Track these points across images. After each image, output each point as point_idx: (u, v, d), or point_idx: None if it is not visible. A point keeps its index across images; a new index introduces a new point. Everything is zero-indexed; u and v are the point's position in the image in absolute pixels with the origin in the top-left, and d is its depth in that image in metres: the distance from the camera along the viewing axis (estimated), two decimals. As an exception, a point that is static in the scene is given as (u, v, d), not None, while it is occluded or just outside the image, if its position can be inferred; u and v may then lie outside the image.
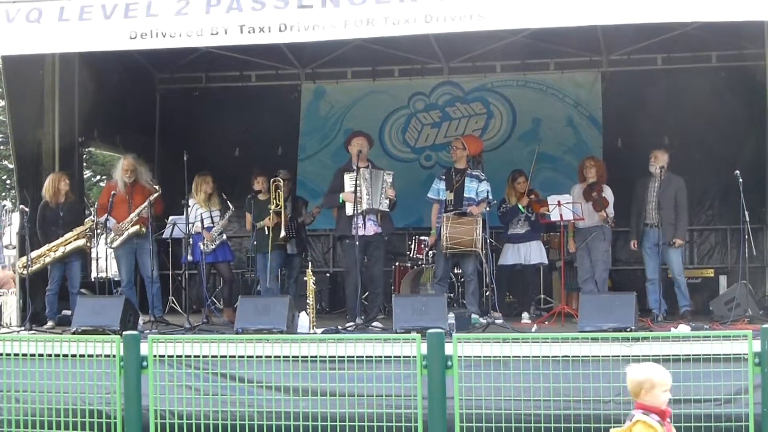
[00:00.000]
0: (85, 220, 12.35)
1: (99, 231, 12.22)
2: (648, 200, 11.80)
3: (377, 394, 8.21)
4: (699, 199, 14.81)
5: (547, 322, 11.65)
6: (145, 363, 7.94)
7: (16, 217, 14.09)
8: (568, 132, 15.52)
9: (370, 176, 11.37)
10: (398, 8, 9.23)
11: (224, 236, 12.72)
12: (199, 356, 8.75)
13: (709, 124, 14.14)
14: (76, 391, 8.35)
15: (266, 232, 12.39)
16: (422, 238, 13.67)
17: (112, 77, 14.37)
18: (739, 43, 13.81)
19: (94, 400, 8.43)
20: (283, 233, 12.20)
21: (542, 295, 13.44)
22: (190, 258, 12.76)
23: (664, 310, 11.62)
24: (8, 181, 26.62)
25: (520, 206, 12.48)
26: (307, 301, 10.87)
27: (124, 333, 8.38)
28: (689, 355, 7.71)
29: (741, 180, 10.97)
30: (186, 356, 8.75)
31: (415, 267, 13.98)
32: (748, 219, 11.02)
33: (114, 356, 8.05)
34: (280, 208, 12.32)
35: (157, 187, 12.22)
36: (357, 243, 11.12)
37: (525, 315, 12.34)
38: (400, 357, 8.34)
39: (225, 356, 8.68)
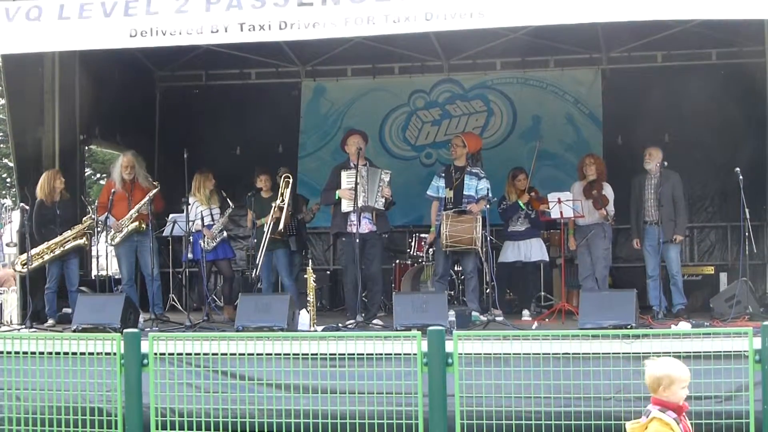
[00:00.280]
0: (84, 218, 12.35)
1: (99, 229, 12.23)
2: (646, 198, 11.83)
3: (378, 391, 8.21)
4: (699, 197, 14.83)
5: (547, 320, 11.66)
6: (145, 361, 7.93)
7: (16, 215, 14.07)
8: (569, 129, 15.52)
9: (367, 174, 11.36)
10: (398, 6, 9.21)
11: (225, 234, 12.72)
12: (199, 354, 8.76)
13: (709, 122, 14.14)
14: (76, 389, 8.36)
15: (264, 229, 12.36)
16: (422, 235, 13.66)
17: (112, 75, 14.38)
18: (739, 41, 13.82)
19: (94, 398, 8.44)
20: (280, 227, 12.15)
21: (543, 293, 13.42)
22: (190, 256, 12.76)
23: (665, 307, 11.63)
24: (8, 180, 26.63)
25: (520, 203, 12.47)
26: (308, 298, 10.88)
27: (124, 331, 8.38)
28: (689, 353, 7.71)
29: (741, 177, 10.97)
30: (186, 354, 8.76)
31: (416, 264, 13.98)
32: (748, 216, 11.03)
33: (114, 354, 8.05)
34: (284, 203, 12.28)
35: (156, 183, 12.22)
36: (357, 240, 11.11)
37: (525, 312, 12.35)
38: (400, 354, 8.35)
39: (225, 354, 8.68)
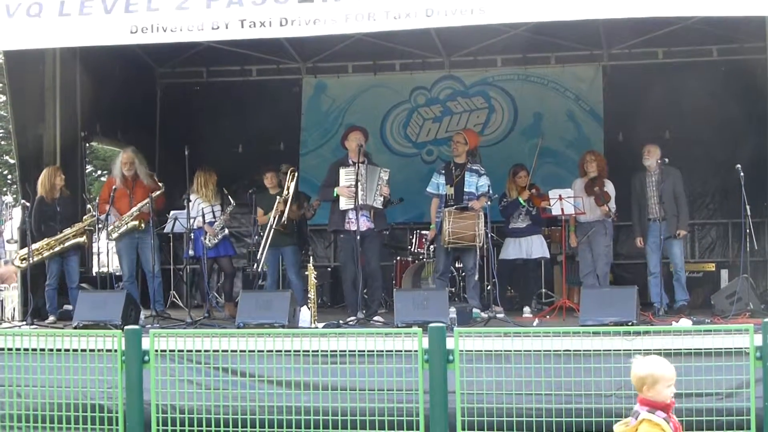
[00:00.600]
0: (85, 216, 12.35)
1: (100, 226, 12.24)
2: (648, 195, 11.83)
3: (378, 388, 8.21)
4: (700, 193, 14.83)
5: (548, 317, 11.66)
6: (146, 357, 7.94)
7: (16, 212, 14.07)
8: (569, 126, 15.51)
9: (366, 172, 11.35)
10: (399, 2, 9.21)
11: (226, 231, 12.71)
12: (200, 351, 8.77)
13: (710, 118, 14.14)
14: (77, 386, 8.36)
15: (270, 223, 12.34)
16: (423, 232, 13.65)
17: (113, 72, 14.37)
18: (740, 38, 13.83)
19: (95, 395, 8.44)
20: (283, 219, 12.14)
21: (543, 290, 13.42)
22: (191, 253, 12.76)
23: (666, 304, 11.63)
24: (9, 177, 26.63)
25: (520, 200, 12.48)
26: (309, 295, 10.88)
27: (125, 328, 8.39)
28: (690, 349, 7.71)
29: (742, 174, 10.98)
30: (187, 351, 8.76)
31: (416, 261, 13.98)
32: (749, 213, 11.02)
33: (115, 351, 8.05)
34: (288, 196, 12.27)
35: (161, 184, 12.23)
36: (357, 237, 11.11)
37: (526, 309, 12.36)
38: (401, 351, 8.35)
39: (226, 351, 8.69)
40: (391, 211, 12.14)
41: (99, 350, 8.36)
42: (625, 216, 12.45)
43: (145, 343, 8.00)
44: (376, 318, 11.23)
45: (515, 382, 8.16)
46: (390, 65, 16.06)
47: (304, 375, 8.57)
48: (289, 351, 8.54)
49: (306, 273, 11.20)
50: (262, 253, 12.02)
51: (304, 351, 8.52)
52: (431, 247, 13.22)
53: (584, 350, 8.26)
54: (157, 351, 8.06)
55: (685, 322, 9.96)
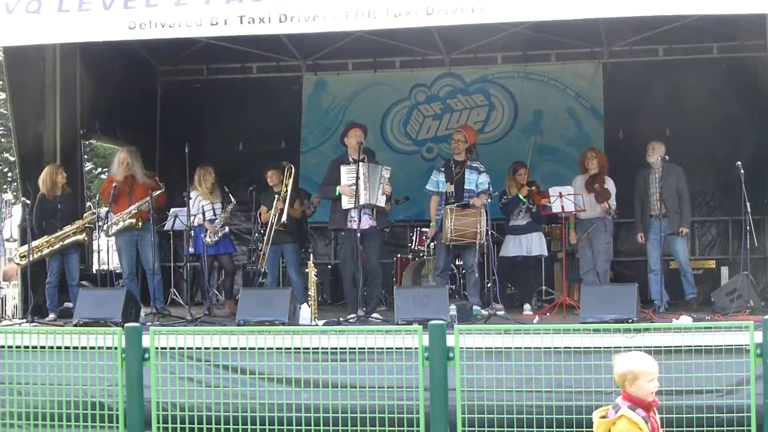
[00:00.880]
0: (85, 214, 12.35)
1: (101, 224, 12.24)
2: (650, 192, 11.83)
3: (379, 385, 8.20)
4: (700, 191, 14.81)
5: (548, 314, 11.66)
6: (146, 355, 7.94)
7: (16, 209, 14.08)
8: (570, 124, 15.51)
9: (368, 171, 11.34)
10: (399, 0, 9.22)
11: (226, 228, 12.70)
12: (200, 348, 8.77)
13: (711, 116, 14.13)
14: (77, 384, 8.36)
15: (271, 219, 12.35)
16: (424, 229, 13.66)
17: (113, 69, 14.37)
18: (740, 35, 13.82)
19: (96, 393, 8.45)
20: (283, 218, 12.16)
21: (544, 287, 13.43)
22: (191, 250, 12.76)
23: (666, 301, 11.62)
24: (9, 174, 26.65)
25: (520, 196, 12.48)
26: (309, 293, 10.88)
27: (125, 325, 8.38)
28: (691, 346, 7.71)
29: (742, 171, 10.98)
30: (188, 348, 8.76)
31: (417, 259, 13.98)
32: (749, 210, 11.02)
33: (116, 348, 8.05)
34: (286, 194, 12.28)
35: (161, 184, 12.22)
36: (358, 235, 11.11)
37: (526, 306, 12.36)
38: (401, 348, 8.36)
39: (227, 348, 8.69)
40: (392, 209, 12.13)
41: (99, 348, 8.35)
42: (626, 213, 12.45)
43: (146, 341, 7.99)
44: (374, 315, 11.23)
45: (515, 379, 8.16)
46: (390, 62, 16.05)
47: (305, 372, 8.58)
48: (290, 348, 8.55)
49: (306, 271, 11.21)
50: (264, 251, 12.02)
51: (304, 348, 8.53)
52: (431, 244, 13.22)
53: (584, 347, 8.25)
54: (157, 348, 8.05)
55: (685, 320, 9.96)
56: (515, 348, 8.26)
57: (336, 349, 8.27)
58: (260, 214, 12.65)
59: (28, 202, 12.01)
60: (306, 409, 8.28)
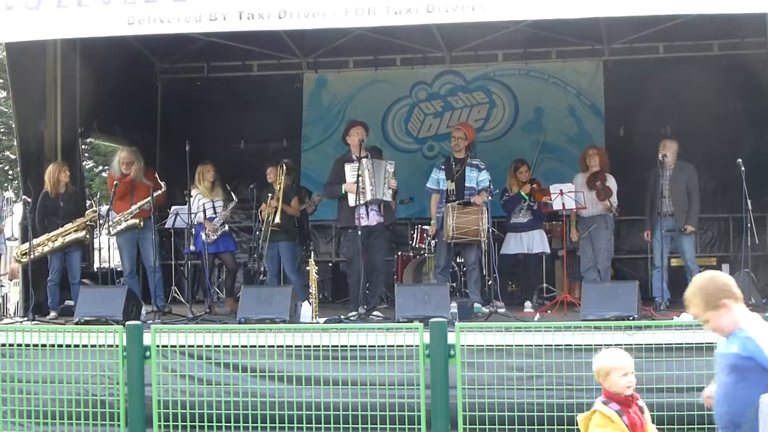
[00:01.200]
0: (87, 212, 12.36)
1: (102, 221, 12.25)
2: (659, 189, 11.79)
3: (380, 383, 8.21)
4: (701, 188, 14.75)
5: (549, 311, 11.66)
6: (147, 353, 7.94)
7: (16, 208, 14.08)
8: (571, 122, 15.50)
9: (373, 167, 11.34)
10: (400, -3, 9.22)
11: (226, 227, 12.68)
12: (201, 346, 8.77)
13: (711, 113, 14.10)
14: (79, 382, 8.37)
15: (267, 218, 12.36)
16: (425, 227, 13.65)
17: (113, 67, 14.34)
18: (741, 33, 13.82)
19: (97, 391, 8.46)
20: (277, 220, 12.16)
21: (545, 284, 13.42)
22: (192, 248, 12.76)
23: (667, 299, 11.62)
24: (10, 172, 26.66)
25: (522, 194, 12.48)
26: (310, 290, 10.89)
27: (126, 323, 8.38)
28: (691, 344, 7.72)
29: (743, 168, 10.99)
30: (189, 346, 8.77)
31: (418, 257, 13.98)
32: (750, 207, 11.03)
33: (117, 346, 8.05)
34: (280, 192, 12.29)
35: (162, 184, 12.22)
36: (359, 233, 11.11)
37: (527, 304, 12.35)
38: (402, 346, 8.36)
39: (228, 346, 8.69)
40: (396, 208, 12.15)
41: (100, 346, 8.36)
42: (627, 211, 12.45)
43: (147, 339, 8.00)
44: (375, 313, 11.22)
45: (516, 376, 8.18)
46: (391, 60, 16.03)
47: (306, 370, 8.59)
48: (291, 346, 8.55)
49: (307, 268, 11.21)
50: (261, 250, 12.03)
51: (305, 346, 8.53)
52: (432, 242, 13.22)
53: (585, 345, 8.25)
54: (158, 346, 8.06)
55: (686, 317, 9.94)
56: (516, 345, 8.27)
57: (337, 347, 8.27)
58: (261, 212, 12.66)
59: (29, 200, 12.01)
60: (307, 406, 8.30)
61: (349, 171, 11.36)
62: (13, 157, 24.06)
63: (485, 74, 15.92)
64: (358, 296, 11.28)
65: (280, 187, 12.30)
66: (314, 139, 16.21)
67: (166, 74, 16.52)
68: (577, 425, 5.58)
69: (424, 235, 13.69)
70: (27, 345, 8.60)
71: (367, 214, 11.31)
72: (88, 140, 16.89)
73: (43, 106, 13.23)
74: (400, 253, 14.15)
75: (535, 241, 12.67)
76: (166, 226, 13.41)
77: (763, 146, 13.11)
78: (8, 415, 8.58)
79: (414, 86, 16.12)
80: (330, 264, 15.38)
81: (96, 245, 13.46)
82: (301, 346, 8.54)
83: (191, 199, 12.25)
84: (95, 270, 13.77)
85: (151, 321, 10.61)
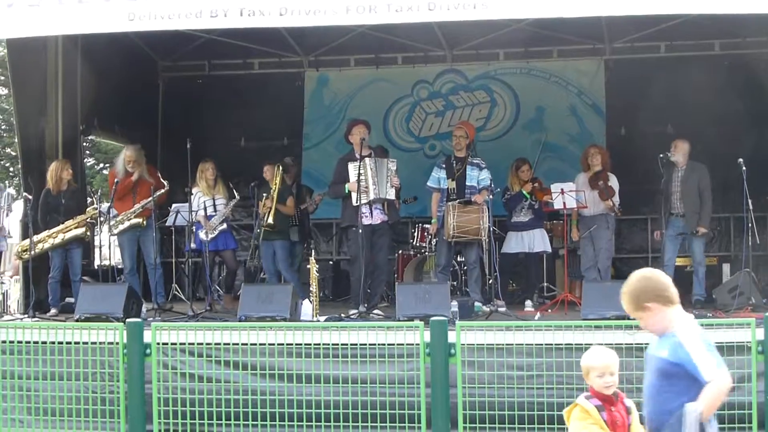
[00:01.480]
0: (88, 209, 12.36)
1: (102, 219, 12.25)
2: (672, 190, 11.78)
3: (380, 381, 8.22)
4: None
5: (550, 310, 11.66)
6: (148, 350, 7.95)
7: (16, 205, 14.07)
8: (572, 121, 15.50)
9: (375, 166, 11.33)
10: (401, -5, 9.21)
11: (224, 225, 12.65)
12: (202, 344, 8.77)
13: (712, 113, 14.11)
14: (79, 379, 8.37)
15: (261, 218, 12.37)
16: (425, 226, 13.66)
17: (115, 64, 14.34)
18: (742, 33, 13.82)
19: (97, 388, 8.46)
20: (270, 220, 12.16)
21: (545, 283, 13.42)
22: (193, 246, 12.76)
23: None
24: (11, 169, 26.67)
25: (524, 192, 12.48)
26: (311, 289, 10.88)
27: (127, 320, 8.39)
28: (692, 343, 7.70)
29: (744, 168, 10.99)
30: (189, 344, 8.76)
31: (418, 255, 13.98)
32: (751, 207, 11.03)
33: (117, 344, 8.06)
34: (274, 192, 12.29)
35: (165, 182, 12.23)
36: (361, 231, 11.10)
37: (528, 303, 12.34)
38: (403, 345, 8.36)
39: (228, 344, 8.69)
40: (400, 208, 12.16)
41: (101, 343, 8.37)
42: (629, 210, 12.43)
43: (147, 336, 8.00)
44: (375, 311, 11.22)
45: (517, 375, 8.18)
46: (392, 58, 16.03)
47: (306, 368, 8.59)
48: (291, 344, 8.55)
49: (308, 266, 11.20)
50: (255, 248, 12.03)
51: (305, 344, 8.53)
52: (433, 241, 13.21)
53: (586, 344, 8.20)
54: (158, 344, 8.07)
55: (686, 316, 9.95)
56: (516, 344, 8.27)
57: (337, 345, 8.27)
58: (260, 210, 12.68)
59: (30, 197, 12.01)
60: (307, 404, 8.29)
61: (352, 170, 11.35)
62: (14, 154, 24.06)
63: (486, 73, 15.92)
64: (363, 294, 11.26)
65: (275, 188, 12.30)
66: (315, 137, 16.21)
67: (167, 72, 16.53)
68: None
69: (425, 233, 13.69)
70: (27, 342, 8.60)
71: (371, 212, 11.32)
72: (89, 138, 16.85)
73: (44, 103, 13.23)
74: (401, 251, 14.16)
75: (536, 240, 12.67)
76: (166, 224, 13.41)
77: (764, 146, 13.11)
78: (8, 411, 8.59)
79: (415, 85, 16.12)
80: (331, 262, 15.38)
81: (96, 243, 13.45)
82: (301, 344, 8.54)
83: (192, 197, 12.24)
84: (96, 267, 13.77)
85: (151, 318, 10.61)
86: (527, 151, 13.90)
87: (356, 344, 8.21)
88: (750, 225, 11.03)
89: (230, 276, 13.15)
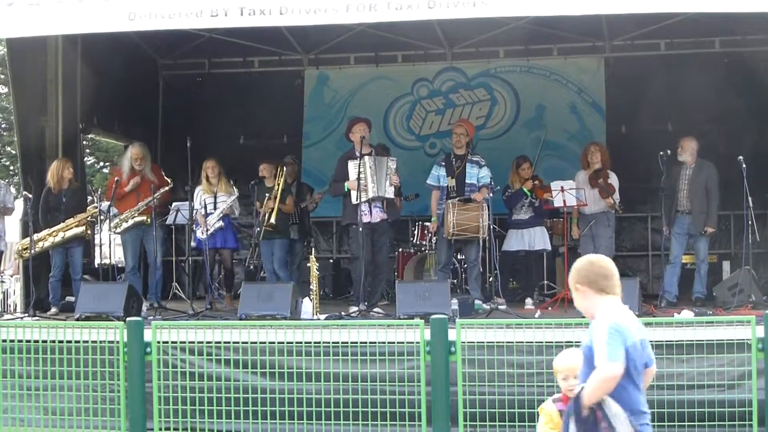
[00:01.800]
0: (88, 207, 12.36)
1: (103, 218, 12.25)
2: (680, 188, 11.77)
3: (381, 379, 8.22)
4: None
5: (550, 308, 11.66)
6: (148, 349, 7.94)
7: (17, 204, 14.07)
8: (572, 119, 15.50)
9: (375, 164, 11.33)
10: (401, -7, 9.21)
11: (221, 222, 12.58)
12: (202, 342, 8.77)
13: (712, 110, 14.13)
14: (79, 378, 8.36)
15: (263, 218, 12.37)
16: (426, 224, 13.66)
17: (115, 63, 14.35)
18: (742, 30, 13.81)
19: (98, 387, 8.45)
20: (272, 221, 12.16)
21: (545, 281, 13.44)
22: (193, 244, 12.76)
23: (674, 295, 11.60)
24: (11, 168, 26.67)
25: (525, 189, 12.48)
26: (311, 287, 10.88)
27: (127, 319, 8.38)
28: (692, 341, 7.72)
29: (744, 166, 10.98)
30: (189, 342, 8.76)
31: (419, 253, 13.98)
32: (751, 204, 11.03)
33: (117, 342, 8.05)
34: (277, 192, 12.28)
35: (169, 180, 12.22)
36: (361, 230, 11.10)
37: (528, 301, 12.36)
38: (403, 343, 8.36)
39: (228, 342, 8.69)
40: (401, 206, 12.14)
41: (101, 342, 8.36)
42: (629, 208, 12.43)
43: (147, 335, 8.00)
44: (376, 309, 11.22)
45: (517, 373, 8.17)
46: (392, 57, 16.04)
47: (306, 366, 8.59)
48: (291, 342, 8.55)
49: (308, 265, 11.20)
50: (255, 247, 12.02)
51: (306, 342, 8.52)
52: (433, 239, 13.21)
53: (586, 342, 8.25)
54: (159, 342, 8.06)
55: (687, 314, 9.97)
56: (517, 342, 8.26)
57: (338, 343, 8.27)
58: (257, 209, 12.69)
59: (30, 196, 12.01)
60: (308, 402, 8.29)
61: (352, 168, 11.35)
62: (14, 152, 24.06)
63: (486, 71, 15.92)
64: (364, 292, 11.25)
65: (278, 188, 12.29)
66: (315, 135, 16.21)
67: (167, 70, 16.54)
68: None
69: (425, 231, 13.69)
70: (28, 341, 8.60)
71: (370, 211, 11.31)
72: (89, 136, 16.85)
73: (44, 102, 13.23)
74: (401, 249, 14.17)
75: (537, 238, 12.68)
76: (167, 223, 13.41)
77: (764, 143, 13.10)
78: (9, 410, 8.58)
79: (415, 83, 16.12)
80: (331, 261, 15.39)
81: (97, 241, 13.45)
82: (301, 343, 8.53)
83: (192, 195, 12.24)
84: (96, 266, 13.77)
85: (151, 317, 10.61)
86: (527, 149, 13.90)
87: (356, 342, 8.20)
88: (750, 222, 11.02)
89: (228, 275, 13.14)
